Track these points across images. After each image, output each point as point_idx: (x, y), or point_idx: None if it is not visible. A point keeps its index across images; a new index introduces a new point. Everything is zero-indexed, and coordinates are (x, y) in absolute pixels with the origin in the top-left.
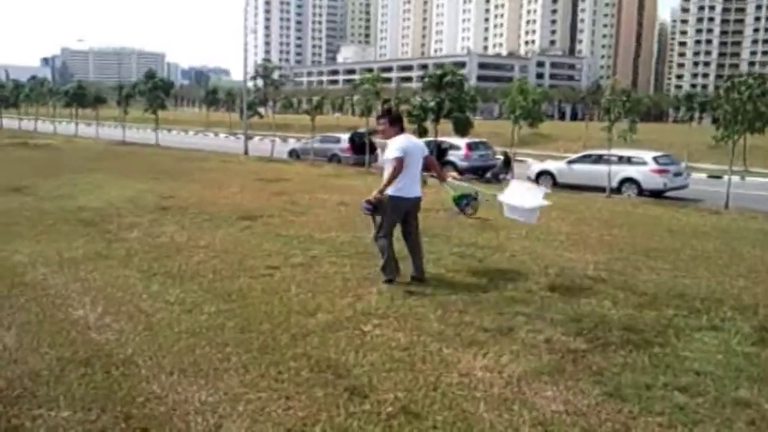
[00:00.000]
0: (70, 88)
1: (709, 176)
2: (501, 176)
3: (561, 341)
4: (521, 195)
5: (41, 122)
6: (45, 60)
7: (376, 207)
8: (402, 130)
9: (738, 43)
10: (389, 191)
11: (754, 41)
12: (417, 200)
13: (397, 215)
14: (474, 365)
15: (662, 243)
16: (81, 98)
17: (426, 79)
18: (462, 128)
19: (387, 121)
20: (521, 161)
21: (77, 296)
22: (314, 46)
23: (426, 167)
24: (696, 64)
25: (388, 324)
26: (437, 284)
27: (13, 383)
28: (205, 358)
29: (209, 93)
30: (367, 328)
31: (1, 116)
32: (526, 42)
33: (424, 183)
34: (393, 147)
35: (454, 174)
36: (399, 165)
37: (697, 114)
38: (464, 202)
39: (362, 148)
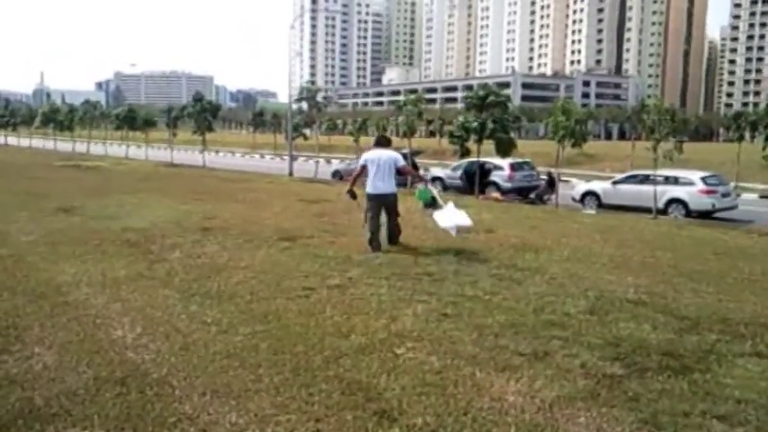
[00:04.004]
0: (121, 111)
1: (761, 197)
2: (545, 197)
3: (597, 366)
4: (450, 216)
5: (94, 145)
6: (99, 85)
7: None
8: (379, 147)
9: None
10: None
11: None
12: (385, 195)
13: (371, 205)
14: (507, 390)
15: (706, 266)
16: (131, 121)
17: (469, 100)
18: (505, 148)
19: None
20: (565, 181)
21: (117, 316)
22: (359, 68)
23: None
24: (747, 82)
25: (421, 347)
26: (473, 307)
27: (51, 402)
28: (238, 379)
29: (256, 115)
30: (400, 351)
31: (56, 139)
32: (572, 62)
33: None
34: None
35: (496, 195)
36: (359, 170)
37: (747, 133)
38: (433, 207)
39: None
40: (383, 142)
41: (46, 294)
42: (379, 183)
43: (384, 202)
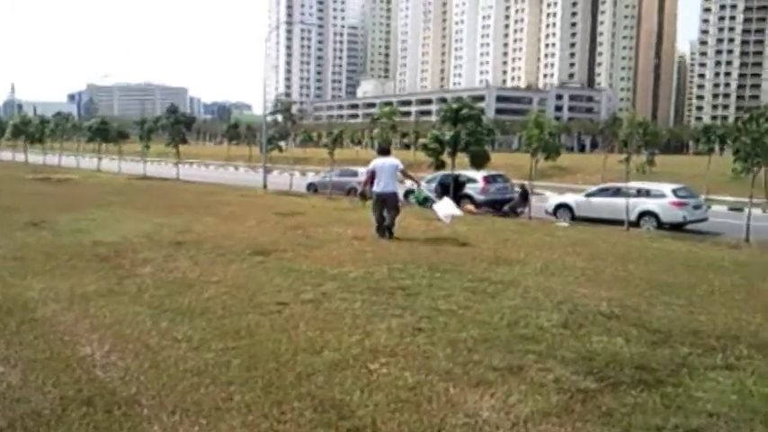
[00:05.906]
0: (93, 123)
1: (730, 209)
2: (519, 210)
3: (571, 380)
4: (446, 206)
5: (66, 157)
6: (71, 96)
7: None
8: (382, 155)
9: (758, 75)
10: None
11: None
12: (387, 194)
13: (376, 202)
14: (481, 406)
15: (678, 278)
16: (104, 133)
17: (443, 113)
18: (479, 161)
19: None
20: (538, 194)
21: (86, 333)
22: (334, 81)
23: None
24: (716, 96)
25: (395, 362)
26: (447, 321)
27: (14, 424)
28: (208, 397)
29: (231, 127)
30: (374, 367)
31: (27, 151)
32: (545, 75)
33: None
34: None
35: (471, 207)
36: (369, 175)
37: (717, 147)
38: (428, 204)
39: None
40: (385, 151)
41: (12, 311)
42: (383, 185)
43: (386, 200)
